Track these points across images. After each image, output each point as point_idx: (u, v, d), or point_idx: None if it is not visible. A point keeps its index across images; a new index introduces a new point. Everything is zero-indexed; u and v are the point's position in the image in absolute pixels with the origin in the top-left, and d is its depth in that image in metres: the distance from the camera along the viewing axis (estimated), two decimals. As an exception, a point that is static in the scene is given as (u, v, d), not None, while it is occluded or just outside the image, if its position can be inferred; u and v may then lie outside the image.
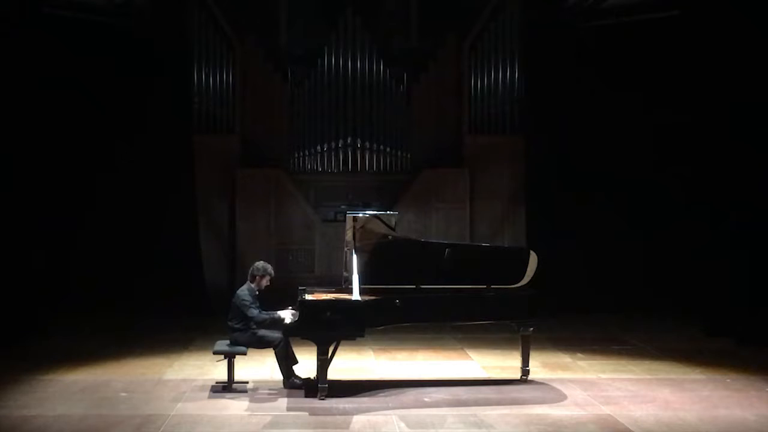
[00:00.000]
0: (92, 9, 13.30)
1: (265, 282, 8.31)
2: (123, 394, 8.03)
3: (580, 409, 7.58)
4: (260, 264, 8.39)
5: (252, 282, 8.30)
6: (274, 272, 8.51)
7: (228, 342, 8.22)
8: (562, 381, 8.60)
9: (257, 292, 8.29)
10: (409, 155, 14.14)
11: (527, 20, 13.91)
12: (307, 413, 7.40)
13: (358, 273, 7.93)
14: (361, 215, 8.15)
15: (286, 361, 8.22)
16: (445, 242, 9.96)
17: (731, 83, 11.10)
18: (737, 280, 10.91)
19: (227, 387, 8.09)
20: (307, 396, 7.89)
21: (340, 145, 13.98)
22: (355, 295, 7.85)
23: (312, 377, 8.08)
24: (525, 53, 13.89)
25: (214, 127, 13.87)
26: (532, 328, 8.48)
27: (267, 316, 8.17)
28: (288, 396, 7.95)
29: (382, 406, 7.66)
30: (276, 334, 8.17)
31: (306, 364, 8.49)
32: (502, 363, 9.47)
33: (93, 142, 13.12)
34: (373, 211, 9.52)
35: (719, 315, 11.06)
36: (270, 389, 8.20)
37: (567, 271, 12.71)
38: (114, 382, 8.50)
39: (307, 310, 7.89)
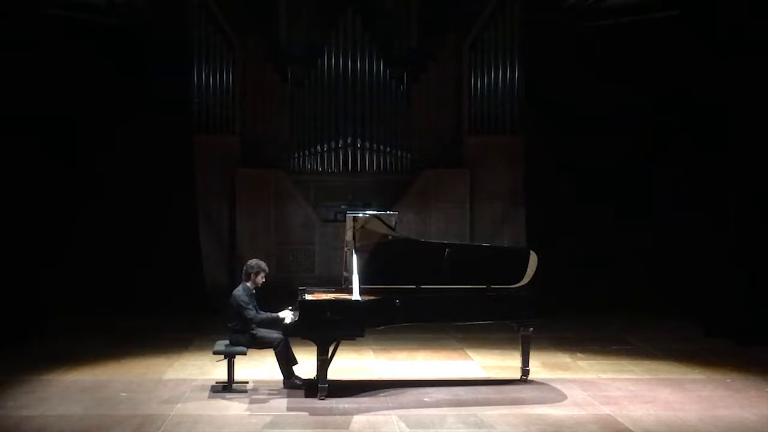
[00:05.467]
0: (92, 9, 13.30)
1: (260, 279, 8.29)
2: (123, 394, 8.03)
3: (580, 409, 7.58)
4: (253, 261, 8.39)
5: (247, 281, 8.28)
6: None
7: (228, 342, 8.22)
8: (562, 381, 8.60)
9: (254, 291, 8.29)
10: (409, 155, 14.15)
11: (527, 20, 13.92)
12: (307, 413, 7.40)
13: (358, 273, 7.93)
14: (361, 215, 8.15)
15: (286, 362, 8.22)
16: (445, 242, 9.96)
17: (731, 83, 11.09)
18: (737, 280, 10.90)
19: (227, 387, 8.08)
20: (307, 396, 7.89)
21: (340, 145, 13.99)
22: (355, 295, 7.85)
23: (312, 377, 8.08)
24: (525, 53, 13.90)
25: (214, 127, 13.87)
26: (532, 328, 8.47)
27: (265, 316, 8.17)
28: (288, 396, 7.95)
29: (382, 406, 7.66)
30: (276, 335, 8.16)
31: (306, 364, 8.49)
32: (502, 363, 9.47)
33: (92, 142, 13.11)
34: (373, 211, 9.51)
35: (719, 315, 11.05)
36: (270, 389, 8.20)
37: (567, 271, 12.71)
38: (114, 382, 8.50)
39: (307, 310, 7.89)
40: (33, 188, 12.03)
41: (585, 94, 13.45)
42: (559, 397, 7.98)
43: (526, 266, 8.59)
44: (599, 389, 8.29)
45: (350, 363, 9.37)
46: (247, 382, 8.35)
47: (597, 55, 13.53)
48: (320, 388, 7.78)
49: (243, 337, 8.15)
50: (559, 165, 13.54)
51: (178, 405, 7.62)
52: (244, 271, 8.35)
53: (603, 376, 8.90)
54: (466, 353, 10.10)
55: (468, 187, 14.01)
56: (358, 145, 13.96)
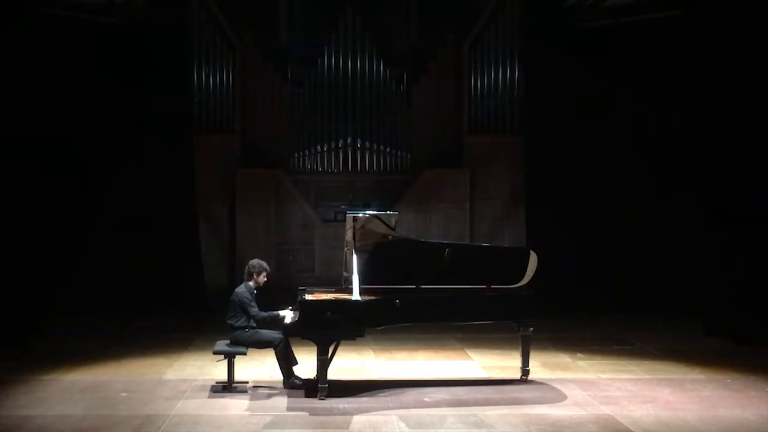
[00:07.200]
0: (92, 9, 13.30)
1: (262, 278, 8.32)
2: (123, 394, 8.03)
3: (580, 409, 7.58)
4: (255, 261, 8.41)
5: (249, 280, 8.30)
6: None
7: (228, 342, 8.22)
8: (562, 381, 8.60)
9: (255, 291, 8.30)
10: (409, 155, 14.16)
11: (527, 20, 13.92)
12: (307, 413, 7.40)
13: (358, 273, 7.93)
14: (361, 215, 8.14)
15: (286, 361, 8.22)
16: (445, 242, 9.96)
17: (731, 83, 11.09)
18: (737, 280, 10.89)
19: (227, 387, 8.09)
20: (307, 396, 7.89)
21: (340, 145, 13.99)
22: (355, 295, 7.85)
23: (312, 377, 8.08)
24: (525, 53, 13.90)
25: (214, 127, 13.88)
26: (532, 328, 8.47)
27: (267, 315, 8.19)
28: (288, 396, 7.95)
29: (382, 406, 7.66)
30: (276, 334, 8.17)
31: (306, 364, 8.49)
32: (502, 363, 9.47)
33: (92, 143, 13.10)
34: (373, 211, 9.49)
35: (719, 315, 11.05)
36: (270, 389, 8.21)
37: (567, 271, 12.71)
38: (114, 382, 8.50)
39: (307, 310, 7.90)
40: (32, 188, 12.02)
41: (585, 94, 13.45)
42: (559, 397, 7.98)
43: (526, 266, 8.58)
44: (599, 389, 8.28)
45: (350, 363, 9.37)
46: (247, 382, 8.35)
47: (596, 55, 13.53)
48: (320, 388, 7.78)
49: (243, 336, 8.16)
50: (560, 165, 13.54)
51: (178, 405, 7.63)
52: (246, 271, 8.36)
53: (603, 376, 8.90)
54: (466, 353, 10.10)
55: (468, 187, 14.01)
56: (358, 145, 13.97)
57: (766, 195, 10.79)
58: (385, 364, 9.57)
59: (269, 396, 7.98)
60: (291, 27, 14.55)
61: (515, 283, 8.58)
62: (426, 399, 7.91)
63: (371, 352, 10.04)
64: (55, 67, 12.49)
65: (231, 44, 13.95)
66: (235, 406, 7.62)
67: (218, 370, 8.51)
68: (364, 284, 7.97)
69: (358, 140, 13.95)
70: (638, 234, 13.33)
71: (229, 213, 13.89)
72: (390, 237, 8.29)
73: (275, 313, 8.21)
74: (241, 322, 8.17)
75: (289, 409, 7.56)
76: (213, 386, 8.24)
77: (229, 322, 8.24)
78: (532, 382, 8.55)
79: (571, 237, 13.23)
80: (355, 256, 8.03)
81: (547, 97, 13.60)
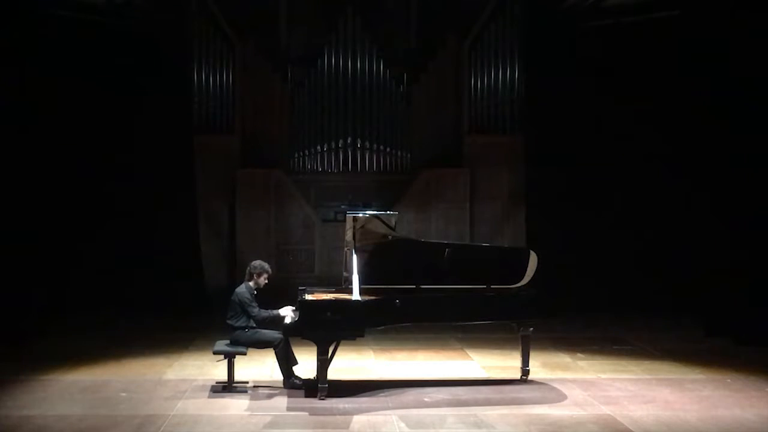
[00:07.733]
0: (92, 9, 13.31)
1: (263, 280, 8.32)
2: (123, 394, 8.03)
3: (580, 409, 7.58)
4: (257, 262, 8.41)
5: (250, 281, 8.31)
6: (274, 272, 8.52)
7: (228, 342, 8.22)
8: (562, 381, 8.60)
9: (255, 291, 8.31)
10: (409, 155, 14.15)
11: (527, 20, 13.92)
12: (307, 413, 7.40)
13: (358, 273, 7.93)
14: (361, 215, 8.15)
15: (286, 361, 8.22)
16: (445, 242, 9.96)
17: (731, 82, 11.10)
18: (737, 280, 10.90)
19: (227, 387, 8.09)
20: (307, 396, 7.89)
21: (340, 145, 13.99)
22: (355, 295, 7.85)
23: (312, 377, 8.08)
24: (525, 53, 13.91)
25: (214, 127, 13.87)
26: (532, 328, 8.48)
27: (267, 315, 8.19)
28: (288, 396, 7.95)
29: (382, 406, 7.66)
30: (276, 334, 8.17)
31: (306, 364, 8.49)
32: (502, 363, 9.47)
33: (92, 143, 13.10)
34: (373, 211, 9.48)
35: (719, 315, 11.06)
36: (270, 389, 8.21)
37: (567, 271, 12.70)
38: (114, 382, 8.50)
39: (307, 310, 7.90)
40: (32, 189, 12.02)
41: (584, 94, 13.45)
42: (559, 397, 7.98)
43: (526, 266, 8.59)
44: (599, 389, 8.29)
45: (350, 363, 9.37)
46: (247, 382, 8.35)
47: (596, 55, 13.53)
48: (320, 388, 7.78)
49: (243, 336, 8.16)
50: (560, 165, 13.54)
51: (178, 405, 7.63)
52: (247, 271, 8.37)
53: (603, 376, 8.90)
54: (466, 353, 10.10)
55: (468, 187, 14.01)
56: (358, 145, 13.97)
57: (766, 194, 10.81)
58: (385, 364, 9.57)
59: (269, 396, 7.98)
60: (291, 27, 14.54)
61: (515, 283, 8.59)
62: (426, 399, 7.91)
63: (371, 352, 10.04)
64: (55, 66, 12.48)
65: (231, 44, 13.95)
66: (235, 406, 7.62)
67: (218, 370, 8.51)
68: (364, 284, 7.97)
69: (358, 140, 13.95)
70: (638, 233, 13.32)
71: (229, 213, 13.89)
72: (390, 237, 8.29)
73: (275, 313, 8.21)
74: (241, 322, 8.17)
75: (289, 409, 7.56)
76: (213, 386, 8.24)
77: (229, 322, 8.24)
78: (532, 382, 8.55)
79: (571, 237, 13.23)
80: (355, 256, 8.03)
81: (547, 97, 13.60)
